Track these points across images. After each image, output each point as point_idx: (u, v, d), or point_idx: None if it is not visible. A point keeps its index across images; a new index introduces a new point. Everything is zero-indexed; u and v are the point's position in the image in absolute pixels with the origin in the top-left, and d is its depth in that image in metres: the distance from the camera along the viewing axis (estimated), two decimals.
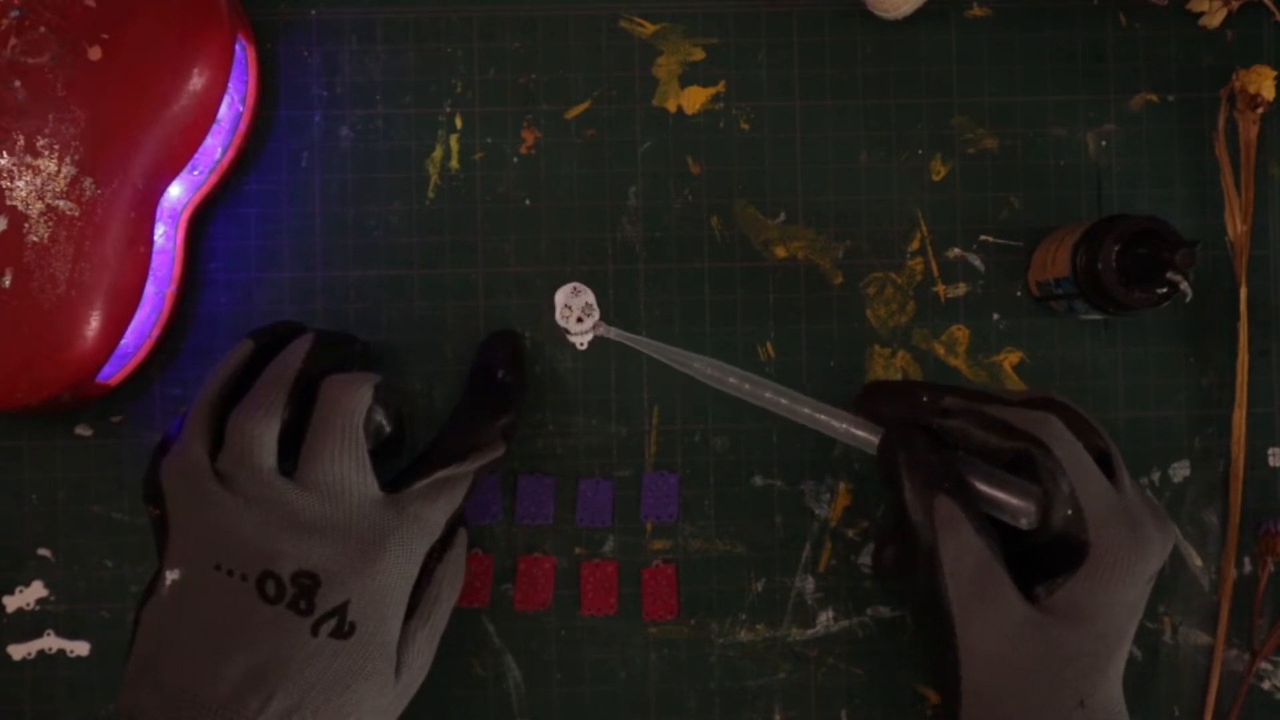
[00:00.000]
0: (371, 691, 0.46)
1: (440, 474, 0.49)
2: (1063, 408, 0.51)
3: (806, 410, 0.54)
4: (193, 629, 0.45)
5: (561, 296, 0.57)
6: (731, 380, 0.55)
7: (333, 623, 0.45)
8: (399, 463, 0.51)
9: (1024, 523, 0.50)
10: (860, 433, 0.53)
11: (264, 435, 0.46)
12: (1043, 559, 0.50)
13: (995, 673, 0.48)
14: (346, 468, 0.47)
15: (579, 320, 0.57)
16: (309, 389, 0.48)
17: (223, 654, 0.44)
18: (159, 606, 0.46)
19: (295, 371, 0.48)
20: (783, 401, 0.54)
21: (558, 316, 0.57)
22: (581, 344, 0.57)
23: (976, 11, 0.59)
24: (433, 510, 0.49)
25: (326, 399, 0.48)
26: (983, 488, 0.50)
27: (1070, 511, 0.49)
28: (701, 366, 0.55)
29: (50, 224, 0.50)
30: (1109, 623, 0.49)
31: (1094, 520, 0.49)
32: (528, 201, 0.58)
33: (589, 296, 0.57)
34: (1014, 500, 0.50)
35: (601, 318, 0.57)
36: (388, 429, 0.51)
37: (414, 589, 0.49)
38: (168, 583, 0.46)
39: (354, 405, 0.48)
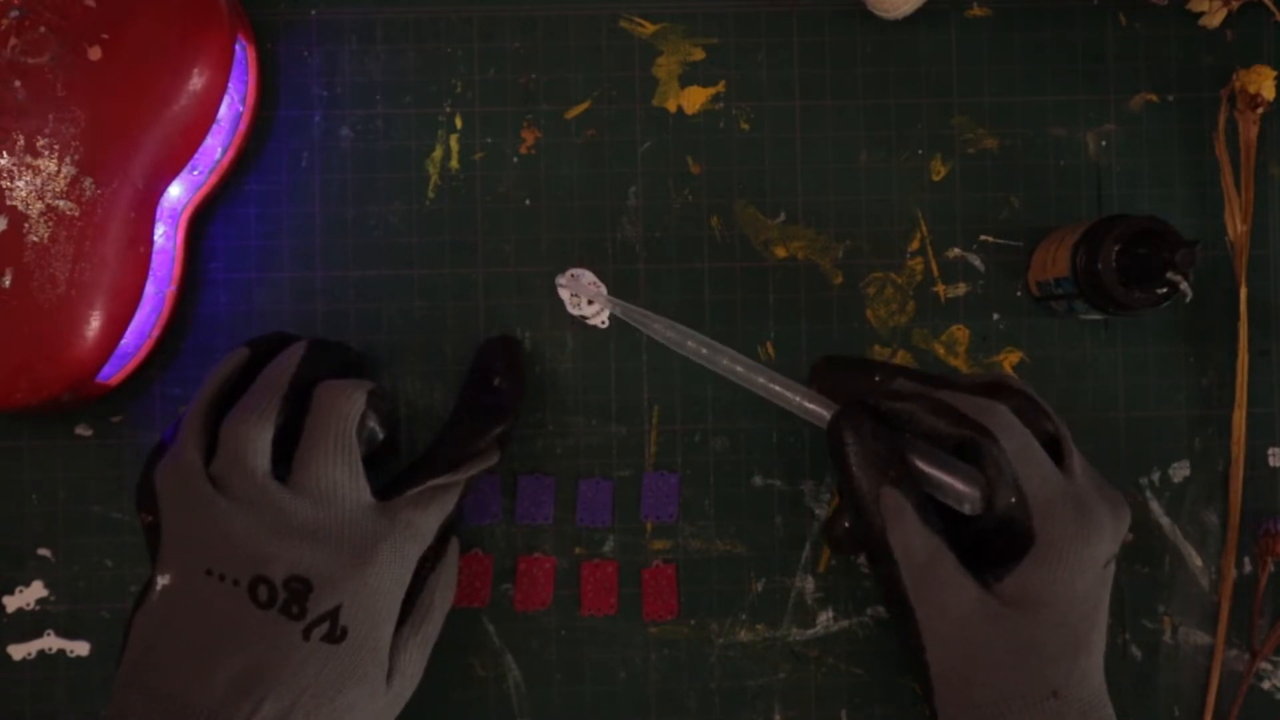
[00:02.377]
0: (363, 696, 0.46)
1: (433, 482, 0.49)
2: (1014, 393, 0.51)
3: (761, 380, 0.54)
4: (184, 634, 0.45)
5: (565, 292, 0.57)
6: (689, 344, 0.55)
7: (325, 627, 0.45)
8: (395, 468, 0.51)
9: (967, 508, 0.50)
10: (812, 406, 0.53)
11: (258, 439, 0.46)
12: (997, 545, 0.50)
13: (959, 657, 0.49)
14: (339, 472, 0.47)
15: (590, 302, 0.57)
16: (303, 395, 0.48)
17: (214, 659, 0.44)
18: (150, 612, 0.46)
19: (290, 376, 0.48)
20: (738, 369, 0.55)
21: (569, 309, 0.57)
22: (603, 322, 0.57)
23: (976, 11, 0.59)
24: (424, 517, 0.49)
25: (320, 404, 0.48)
26: (926, 469, 0.51)
27: (1014, 499, 0.49)
28: (660, 328, 0.55)
29: (50, 224, 0.50)
30: (1068, 611, 0.48)
31: (1038, 508, 0.49)
32: (528, 201, 0.58)
33: (587, 276, 0.57)
34: (957, 485, 0.50)
35: (610, 290, 0.57)
36: (381, 435, 0.51)
37: (407, 596, 0.49)
38: (158, 588, 0.46)
39: (348, 410, 0.48)
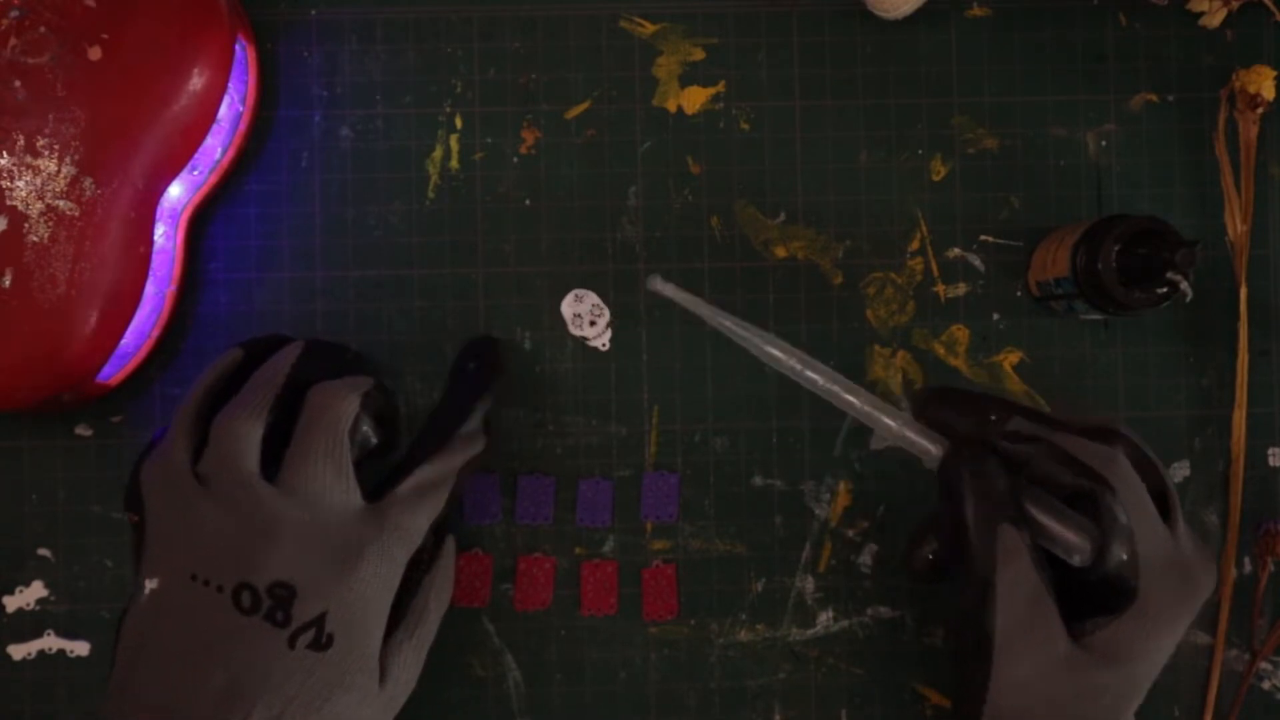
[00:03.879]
0: (352, 704, 0.46)
1: (424, 470, 0.49)
2: (1128, 443, 0.49)
3: (858, 402, 0.50)
4: (170, 642, 0.44)
5: (568, 309, 0.57)
6: (795, 365, 0.51)
7: (310, 634, 0.45)
8: None
9: (1076, 559, 0.48)
10: (918, 439, 0.50)
11: (247, 436, 0.46)
12: (1087, 594, 0.49)
13: (1021, 701, 0.47)
14: (328, 475, 0.46)
15: (592, 324, 0.57)
16: (297, 396, 0.48)
17: (201, 669, 0.44)
18: (138, 617, 0.45)
19: (283, 376, 0.48)
20: (834, 388, 0.50)
21: (571, 328, 0.57)
22: (604, 345, 0.57)
23: (976, 11, 0.59)
24: (414, 517, 0.48)
25: (313, 405, 0.47)
26: (1042, 519, 0.49)
27: (1125, 556, 0.48)
28: (760, 343, 0.51)
29: (50, 224, 0.50)
30: (1145, 665, 0.48)
31: (1147, 568, 0.47)
32: (528, 201, 0.58)
33: (593, 298, 0.57)
34: (1071, 536, 0.48)
35: (612, 314, 0.57)
36: (374, 440, 0.50)
37: (402, 599, 0.48)
38: (146, 592, 0.45)
39: (340, 412, 0.47)
